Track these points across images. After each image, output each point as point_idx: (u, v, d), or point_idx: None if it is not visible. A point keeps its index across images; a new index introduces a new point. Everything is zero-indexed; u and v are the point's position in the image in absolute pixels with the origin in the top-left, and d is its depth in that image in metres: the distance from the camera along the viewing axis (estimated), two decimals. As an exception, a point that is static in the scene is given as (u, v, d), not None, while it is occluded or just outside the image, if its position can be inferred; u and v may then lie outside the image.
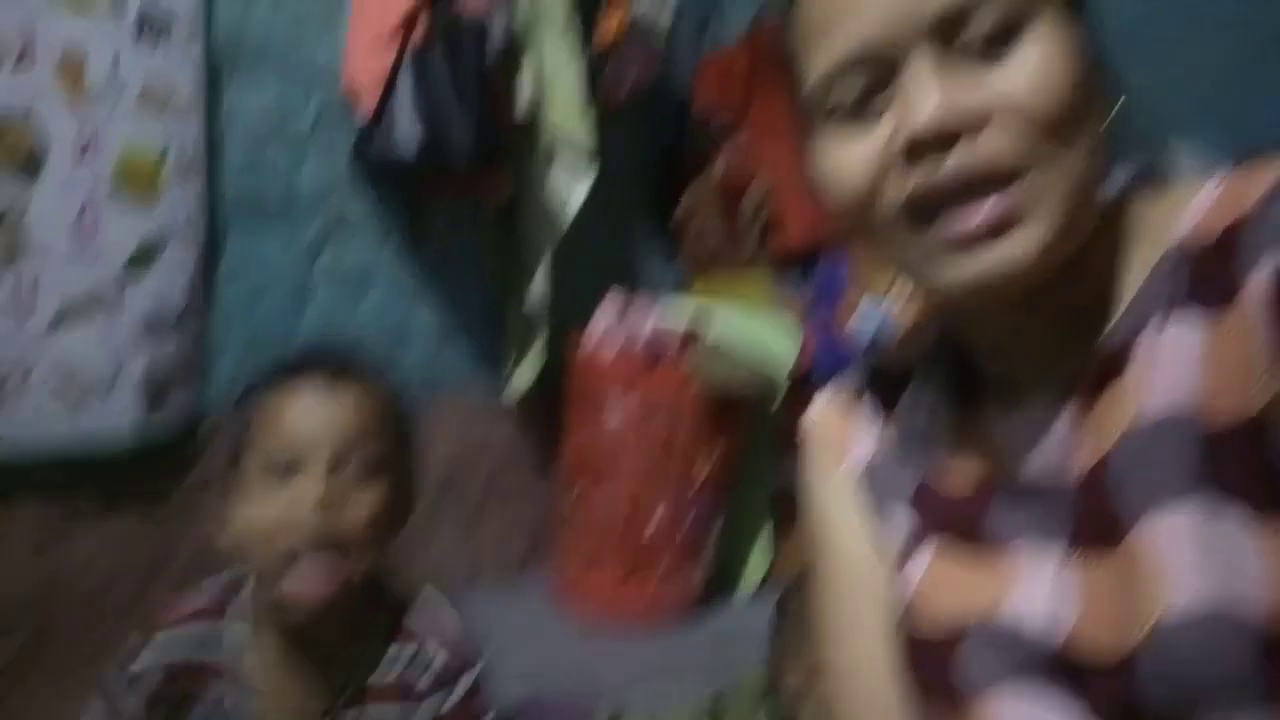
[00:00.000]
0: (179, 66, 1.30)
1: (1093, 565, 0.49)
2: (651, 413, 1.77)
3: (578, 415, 1.86)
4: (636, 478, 1.79)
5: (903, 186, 0.46)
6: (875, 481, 0.62)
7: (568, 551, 1.89)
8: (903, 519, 0.59)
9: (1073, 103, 0.46)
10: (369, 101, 1.51)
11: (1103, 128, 0.49)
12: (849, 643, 0.63)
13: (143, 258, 1.26)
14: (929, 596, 0.56)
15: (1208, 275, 0.47)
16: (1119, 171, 0.55)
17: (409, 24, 1.52)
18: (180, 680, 0.82)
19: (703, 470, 1.81)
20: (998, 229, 0.45)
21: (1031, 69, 0.45)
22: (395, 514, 0.83)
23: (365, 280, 1.65)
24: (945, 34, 0.45)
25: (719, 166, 2.35)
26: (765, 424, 2.01)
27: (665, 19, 2.06)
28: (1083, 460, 0.50)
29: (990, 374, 0.56)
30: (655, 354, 1.77)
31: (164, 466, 1.34)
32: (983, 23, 0.45)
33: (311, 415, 0.79)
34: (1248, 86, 2.17)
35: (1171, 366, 0.47)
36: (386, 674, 0.84)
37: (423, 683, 0.84)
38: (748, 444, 1.92)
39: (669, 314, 1.87)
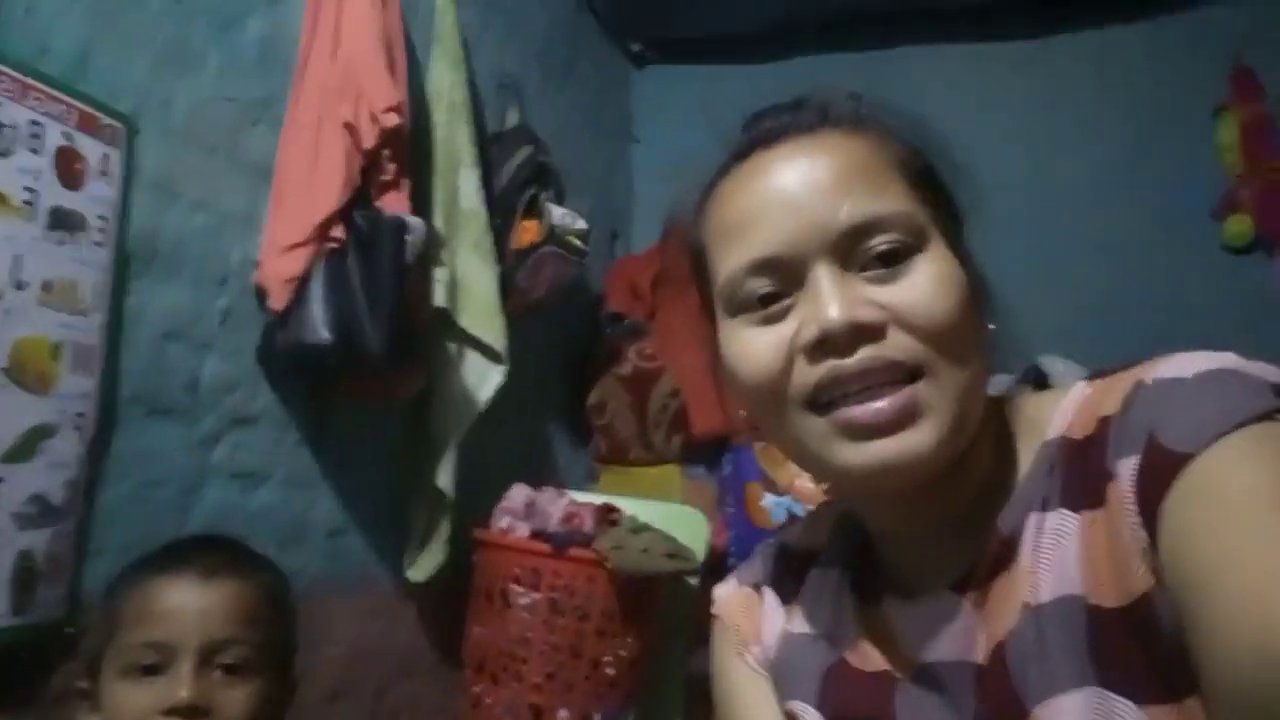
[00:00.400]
0: (86, 263, 1.33)
1: None
2: (559, 608, 1.73)
3: (479, 612, 1.81)
4: (539, 682, 1.72)
5: (808, 375, 0.51)
6: (781, 674, 0.63)
7: (465, 763, 1.78)
8: (808, 708, 0.60)
9: (959, 316, 0.51)
10: (279, 301, 1.55)
11: (984, 339, 0.55)
12: None
13: (24, 449, 1.23)
14: None
15: (1080, 471, 0.51)
16: (1004, 377, 0.62)
17: (328, 225, 1.59)
18: None
19: (611, 669, 1.75)
20: (899, 421, 0.49)
21: (922, 287, 0.51)
22: (270, 711, 0.80)
23: (261, 475, 1.62)
24: (846, 250, 0.52)
25: (628, 362, 2.43)
26: (678, 614, 1.98)
27: (578, 227, 2.20)
28: (981, 647, 0.52)
29: (888, 564, 0.59)
30: (564, 544, 1.75)
31: (31, 670, 1.24)
32: (879, 244, 0.52)
33: (180, 610, 0.76)
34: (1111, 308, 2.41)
35: (1054, 558, 0.50)
36: None
37: None
38: (659, 635, 1.88)
39: (578, 504, 1.87)
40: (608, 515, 1.87)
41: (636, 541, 1.78)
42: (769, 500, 2.23)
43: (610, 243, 2.95)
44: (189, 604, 0.76)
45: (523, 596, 1.75)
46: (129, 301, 1.41)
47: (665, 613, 1.89)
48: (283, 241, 1.58)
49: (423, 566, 1.85)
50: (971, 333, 0.53)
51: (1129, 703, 0.46)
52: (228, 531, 1.07)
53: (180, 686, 0.73)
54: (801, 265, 0.52)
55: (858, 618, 0.60)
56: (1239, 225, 2.42)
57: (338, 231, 1.61)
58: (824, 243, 0.52)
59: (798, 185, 0.53)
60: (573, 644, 1.72)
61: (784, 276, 0.53)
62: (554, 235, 2.13)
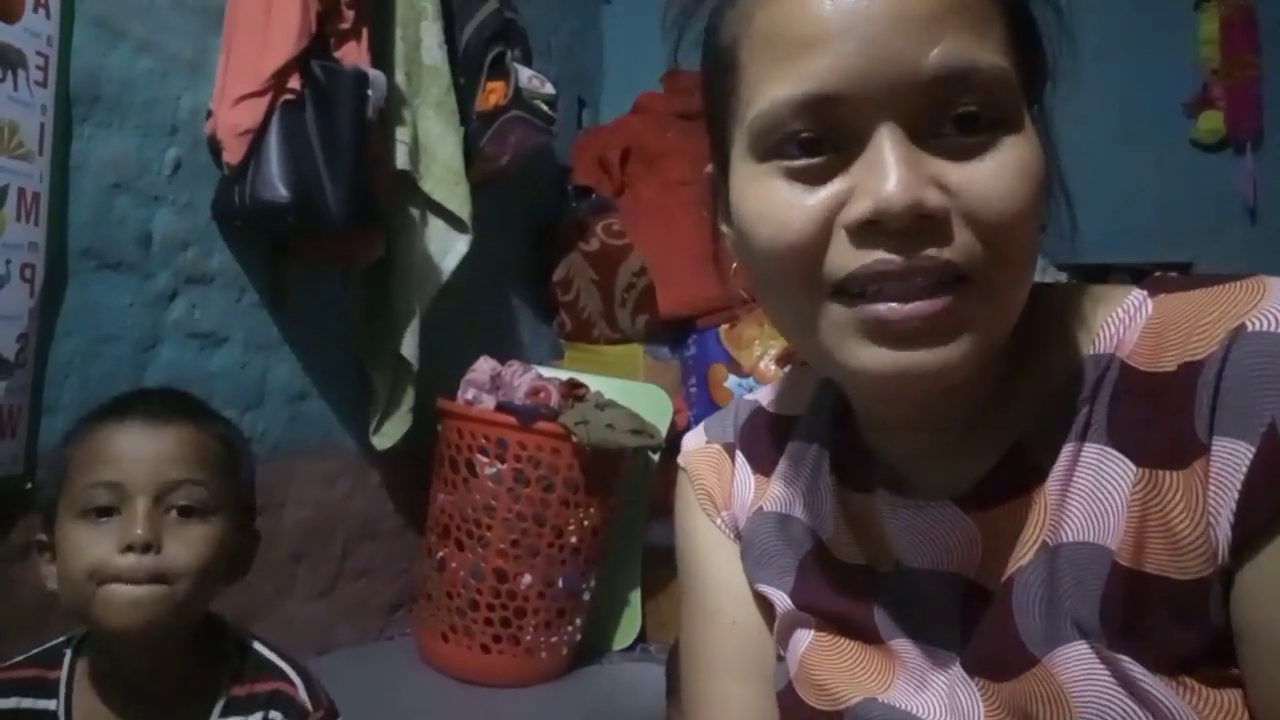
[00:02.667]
0: (27, 106, 1.24)
1: (992, 687, 0.46)
2: (523, 478, 1.75)
3: (444, 479, 1.82)
4: (503, 548, 1.75)
5: (846, 259, 0.42)
6: (750, 552, 0.59)
7: (428, 619, 1.83)
8: (781, 594, 0.56)
9: (1032, 216, 0.42)
10: (233, 155, 1.47)
11: (1040, 233, 0.45)
12: (711, 678, 0.60)
13: (-32, 303, 1.17)
14: (810, 681, 0.53)
15: (1147, 417, 0.43)
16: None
17: (283, 75, 1.50)
18: None
19: (573, 538, 1.80)
20: (935, 331, 0.41)
21: (1003, 177, 0.41)
22: (228, 558, 0.79)
23: (219, 336, 1.58)
24: (923, 107, 0.41)
25: (595, 238, 2.39)
26: (639, 487, 2.02)
27: (546, 91, 2.11)
28: (977, 567, 0.47)
29: (879, 455, 0.52)
30: (529, 418, 1.75)
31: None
32: (966, 107, 0.41)
33: (132, 452, 0.75)
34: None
35: (1088, 499, 0.44)
36: None
37: None
38: (621, 507, 1.92)
39: (544, 379, 1.87)
40: (574, 390, 1.87)
41: (602, 417, 1.79)
42: (732, 382, 2.25)
43: (578, 111, 2.85)
44: (142, 446, 0.75)
45: (488, 466, 1.76)
46: (73, 147, 1.33)
47: (627, 485, 1.93)
48: (235, 91, 1.49)
49: (388, 434, 1.85)
50: (1036, 232, 0.44)
51: (1135, 663, 0.42)
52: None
53: (134, 525, 0.72)
54: (864, 116, 0.41)
55: (838, 503, 0.54)
56: (1211, 122, 2.42)
57: (293, 82, 1.51)
58: (899, 93, 0.40)
59: (881, 3, 0.40)
60: (536, 513, 1.75)
61: (838, 124, 0.42)
62: (521, 98, 2.04)
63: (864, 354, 0.42)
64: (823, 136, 0.42)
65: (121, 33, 1.40)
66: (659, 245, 2.35)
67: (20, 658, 0.81)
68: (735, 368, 2.26)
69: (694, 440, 0.65)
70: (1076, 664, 0.43)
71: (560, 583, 1.79)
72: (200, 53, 1.53)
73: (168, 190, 1.48)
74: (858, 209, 0.41)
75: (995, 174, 0.41)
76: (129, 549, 0.72)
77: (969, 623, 0.48)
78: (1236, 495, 0.40)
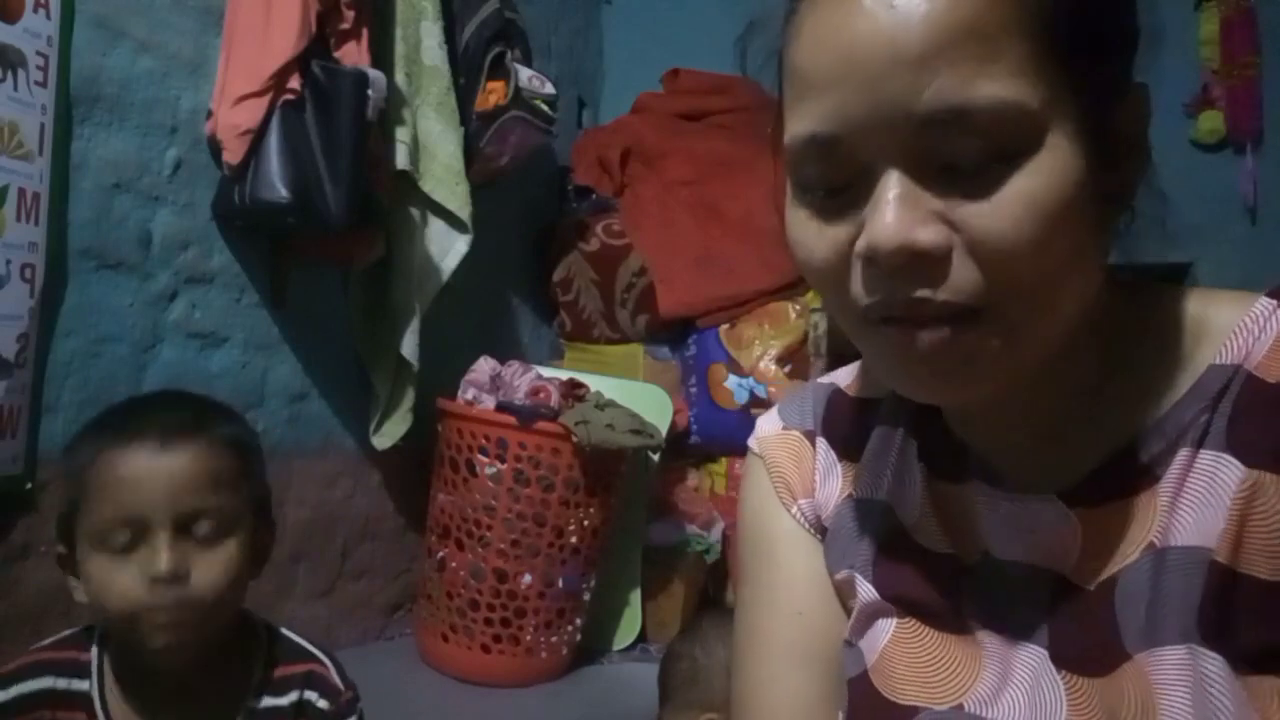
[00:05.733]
0: (27, 106, 1.24)
1: (1081, 681, 0.46)
2: (523, 478, 1.75)
3: (444, 479, 1.82)
4: (503, 548, 1.75)
5: (860, 291, 0.43)
6: (835, 540, 0.58)
7: (428, 619, 1.83)
8: (864, 581, 0.55)
9: (1049, 250, 0.41)
10: (233, 155, 1.47)
11: (1104, 240, 0.44)
12: (769, 662, 0.58)
13: (-32, 303, 1.17)
14: (888, 672, 0.52)
15: (1268, 424, 0.43)
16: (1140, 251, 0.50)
17: (283, 75, 1.50)
18: (40, 708, 0.77)
19: (573, 538, 1.80)
20: (945, 364, 0.42)
21: (1010, 210, 0.40)
22: (252, 561, 0.81)
23: (219, 336, 1.58)
24: (925, 146, 0.41)
25: (595, 239, 2.39)
26: (639, 487, 2.02)
27: (546, 91, 2.11)
28: (1073, 564, 0.47)
29: (971, 447, 0.52)
30: (530, 418, 1.75)
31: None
32: (966, 147, 0.40)
33: (149, 485, 0.74)
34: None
35: (1199, 504, 0.44)
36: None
37: None
38: (621, 507, 1.92)
39: (544, 379, 1.87)
40: (574, 390, 1.87)
41: (602, 417, 1.79)
42: (732, 381, 2.25)
43: (578, 112, 2.85)
44: (158, 478, 0.74)
45: (488, 466, 1.76)
46: (73, 148, 1.33)
47: (627, 485, 1.93)
48: (235, 91, 1.49)
49: (388, 434, 1.85)
50: (1066, 256, 0.42)
51: (1225, 665, 0.42)
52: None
53: (159, 560, 0.73)
54: (869, 156, 0.42)
55: (926, 491, 0.53)
56: (1211, 122, 2.42)
57: (294, 82, 1.51)
58: (896, 135, 0.41)
59: (877, 46, 0.40)
60: (536, 513, 1.75)
61: (847, 163, 0.43)
62: (520, 98, 2.04)
63: (899, 374, 0.45)
64: (837, 179, 0.44)
65: (121, 33, 1.40)
66: (659, 245, 2.35)
67: (51, 639, 0.82)
68: (735, 368, 2.26)
69: (769, 426, 0.63)
70: (1171, 668, 0.43)
71: (560, 583, 1.79)
72: (200, 53, 1.53)
73: (168, 190, 1.48)
74: (858, 246, 0.43)
75: (998, 211, 0.40)
76: (157, 581, 0.73)
77: (1058, 618, 0.48)
78: None
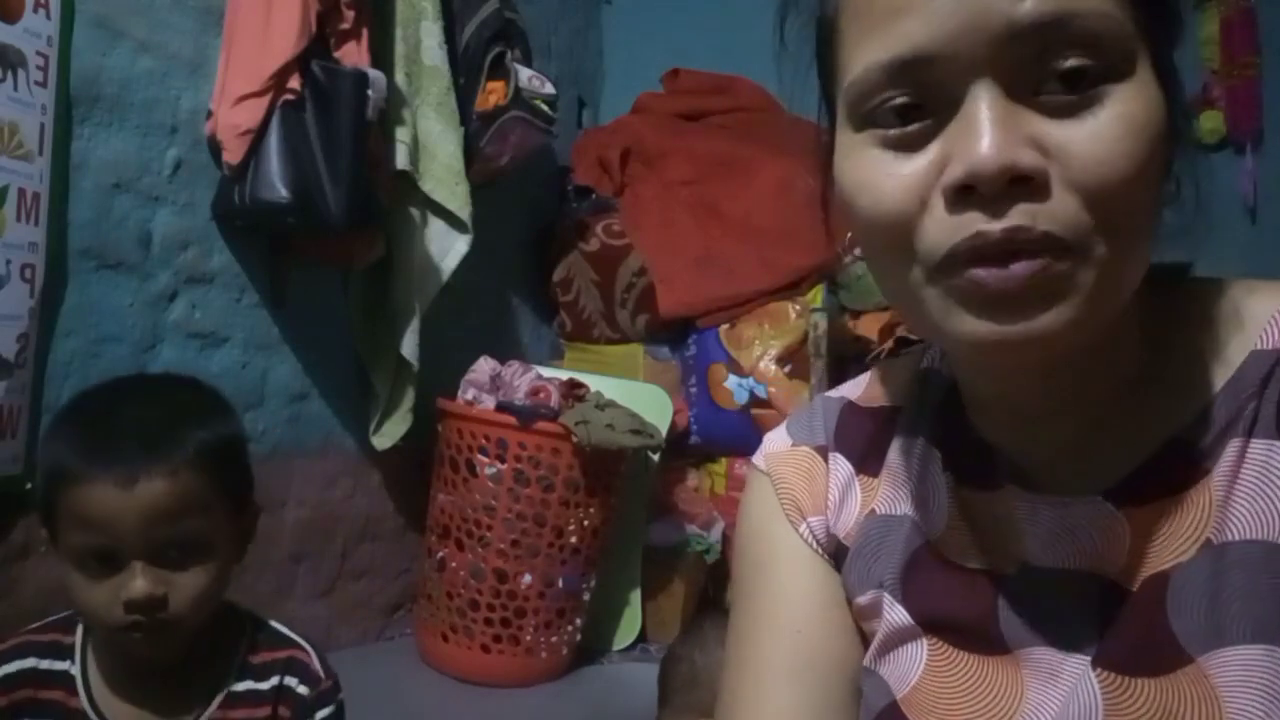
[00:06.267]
0: (27, 106, 1.24)
1: (1125, 681, 0.44)
2: (523, 478, 1.75)
3: (444, 479, 1.82)
4: (503, 548, 1.75)
5: (943, 231, 0.40)
6: (862, 556, 0.54)
7: (428, 619, 1.83)
8: (892, 602, 0.52)
9: (1146, 177, 0.39)
10: (233, 155, 1.47)
11: (1162, 197, 0.43)
12: (759, 682, 0.55)
13: (-32, 303, 1.17)
14: (924, 705, 0.49)
15: None
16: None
17: (283, 75, 1.50)
18: (23, 688, 0.78)
19: (573, 538, 1.80)
20: (1032, 298, 0.39)
21: (1110, 133, 0.38)
22: (233, 554, 0.81)
23: (219, 336, 1.58)
24: (1021, 61, 0.38)
25: (595, 239, 2.39)
26: (639, 487, 2.02)
27: (546, 91, 2.11)
28: (1122, 566, 0.45)
29: (1004, 449, 0.49)
30: (530, 418, 1.75)
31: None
32: (1067, 60, 0.38)
33: (116, 520, 0.73)
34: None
35: (1256, 495, 0.42)
36: (241, 705, 0.82)
37: (282, 712, 0.82)
38: (621, 507, 1.92)
39: (544, 379, 1.87)
40: (574, 390, 1.87)
41: (602, 417, 1.79)
42: (732, 382, 2.25)
43: (578, 112, 2.85)
44: (124, 513, 0.73)
45: (488, 466, 1.76)
46: (73, 148, 1.33)
47: (627, 485, 1.93)
48: (235, 91, 1.49)
49: (388, 434, 1.85)
50: (1154, 195, 0.41)
51: None
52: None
53: (133, 586, 0.73)
54: (958, 76, 0.39)
55: (954, 502, 0.51)
56: (1211, 122, 2.42)
57: (294, 82, 1.52)
58: (992, 48, 0.38)
59: None
60: (537, 513, 1.75)
61: (933, 88, 0.40)
62: (520, 98, 2.04)
63: (967, 324, 0.41)
64: (917, 102, 0.41)
65: (121, 33, 1.40)
66: (659, 245, 2.35)
67: (39, 623, 0.82)
68: (735, 368, 2.26)
69: (777, 442, 0.60)
70: (1240, 669, 0.41)
71: (560, 583, 1.79)
72: (200, 53, 1.53)
73: (168, 190, 1.49)
74: (951, 174, 0.39)
75: (1099, 133, 0.38)
76: (132, 606, 0.73)
77: (1106, 622, 0.45)
78: None
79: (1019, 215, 0.38)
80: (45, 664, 0.79)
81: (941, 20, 0.39)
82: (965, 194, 0.39)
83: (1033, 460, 0.48)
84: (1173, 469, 0.44)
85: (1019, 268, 0.39)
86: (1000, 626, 0.48)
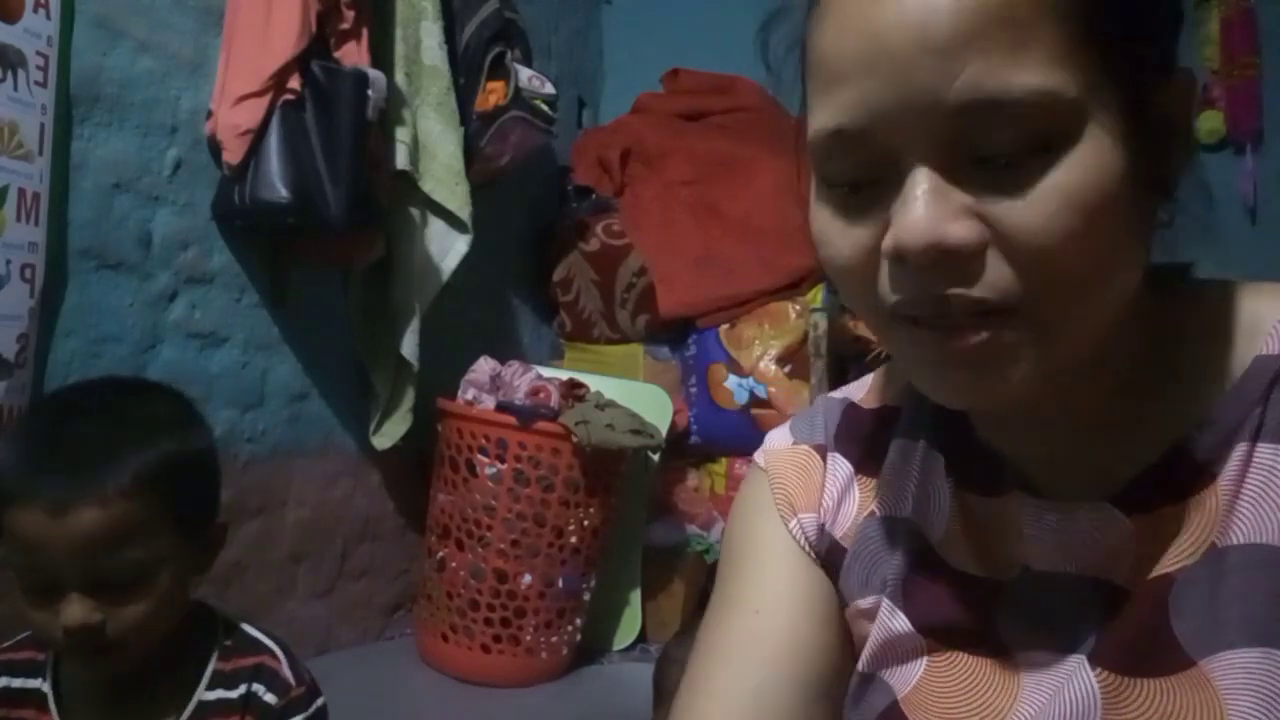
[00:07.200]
0: (27, 106, 1.24)
1: (1124, 680, 0.44)
2: (523, 478, 1.75)
3: (444, 479, 1.82)
4: (503, 548, 1.75)
5: (887, 290, 0.41)
6: (861, 559, 0.54)
7: (428, 619, 1.83)
8: (891, 607, 0.52)
9: (1086, 243, 0.39)
10: (233, 155, 1.47)
11: (1147, 230, 0.42)
12: (709, 661, 0.55)
13: (-32, 303, 1.17)
14: (924, 705, 0.50)
15: None
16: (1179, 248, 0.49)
17: (283, 75, 1.50)
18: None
19: (573, 538, 1.80)
20: (977, 363, 0.40)
21: (1046, 205, 0.38)
22: (186, 573, 0.79)
23: (219, 336, 1.58)
24: (956, 138, 0.39)
25: (595, 239, 2.39)
26: (639, 487, 2.02)
27: (546, 91, 2.11)
28: (1127, 571, 0.45)
29: (1004, 455, 0.50)
30: (530, 418, 1.75)
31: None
32: (1000, 139, 0.38)
33: (49, 547, 0.71)
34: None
35: (1260, 499, 0.43)
36: (212, 714, 0.81)
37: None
38: (621, 507, 1.92)
39: (544, 379, 1.87)
40: (574, 390, 1.87)
41: (602, 417, 1.79)
42: (732, 382, 2.25)
43: (578, 112, 2.85)
44: (56, 543, 0.70)
45: (488, 466, 1.76)
46: (73, 148, 1.33)
47: (627, 485, 1.93)
48: (235, 91, 1.49)
49: (388, 434, 1.85)
50: (1112, 262, 0.40)
51: None
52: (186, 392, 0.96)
53: (68, 613, 0.71)
54: (897, 151, 0.40)
55: (956, 507, 0.51)
56: (1211, 122, 2.41)
57: (294, 82, 1.52)
58: (926, 127, 0.39)
59: (904, 33, 0.38)
60: (537, 513, 1.75)
61: (873, 158, 0.41)
62: (520, 98, 2.04)
63: (929, 376, 0.43)
64: (863, 175, 0.42)
65: (121, 33, 1.40)
66: (659, 245, 2.35)
67: (14, 640, 0.82)
68: (735, 368, 2.26)
69: (779, 440, 0.60)
70: (1240, 671, 0.41)
71: (560, 583, 1.79)
72: (200, 53, 1.53)
73: (168, 190, 1.49)
74: (885, 244, 0.41)
75: (1034, 208, 0.38)
76: (70, 634, 0.71)
77: (1107, 624, 0.46)
78: None
79: (953, 283, 0.39)
80: (18, 683, 0.78)
81: (878, 97, 0.39)
82: (900, 264, 0.40)
83: (1037, 465, 0.48)
84: (1179, 474, 0.44)
85: (959, 338, 0.40)
86: (1000, 629, 0.49)
